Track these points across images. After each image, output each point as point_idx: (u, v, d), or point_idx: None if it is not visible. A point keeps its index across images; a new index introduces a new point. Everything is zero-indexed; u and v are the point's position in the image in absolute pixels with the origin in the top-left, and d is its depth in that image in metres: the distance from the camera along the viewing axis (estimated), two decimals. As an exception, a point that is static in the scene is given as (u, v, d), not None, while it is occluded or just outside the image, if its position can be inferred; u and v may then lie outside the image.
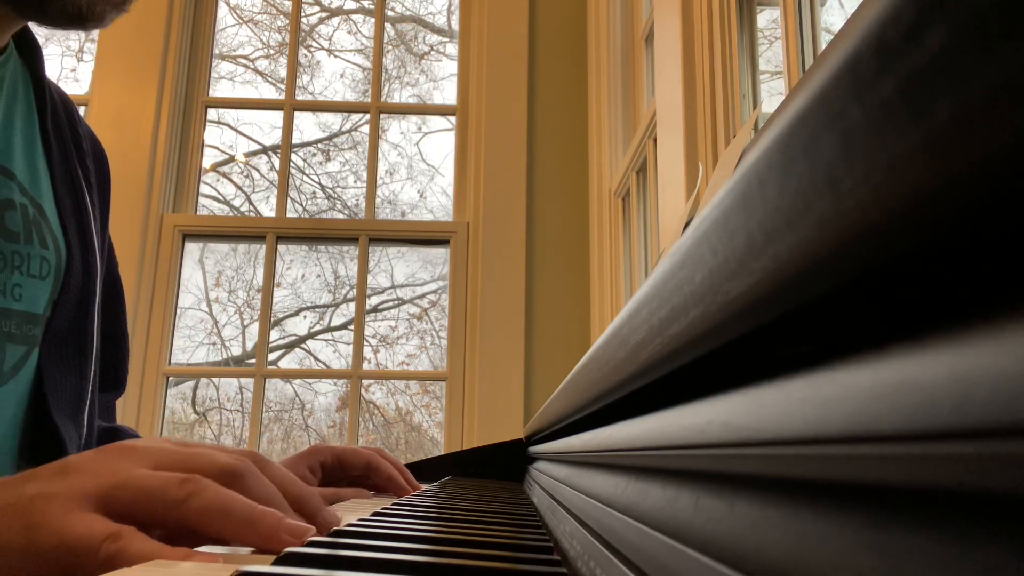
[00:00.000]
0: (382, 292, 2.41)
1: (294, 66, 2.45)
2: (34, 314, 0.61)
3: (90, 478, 0.34)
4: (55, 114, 0.68)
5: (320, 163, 2.54)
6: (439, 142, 2.50)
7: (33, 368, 0.61)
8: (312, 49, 2.59)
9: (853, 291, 0.11)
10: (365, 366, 2.26)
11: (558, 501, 0.46)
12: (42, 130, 0.65)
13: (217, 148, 2.48)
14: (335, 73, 2.57)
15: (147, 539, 0.31)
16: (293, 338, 2.45)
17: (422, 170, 2.48)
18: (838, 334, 0.12)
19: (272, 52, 2.57)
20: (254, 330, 2.31)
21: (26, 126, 0.64)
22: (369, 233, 2.27)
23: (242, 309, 2.41)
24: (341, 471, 0.77)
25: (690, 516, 0.17)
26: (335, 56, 2.60)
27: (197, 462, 0.36)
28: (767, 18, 1.24)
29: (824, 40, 1.02)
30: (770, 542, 0.12)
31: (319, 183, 2.52)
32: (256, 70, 2.54)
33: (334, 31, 2.65)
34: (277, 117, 2.44)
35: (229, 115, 2.48)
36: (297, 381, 2.43)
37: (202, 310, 2.36)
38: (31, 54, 0.66)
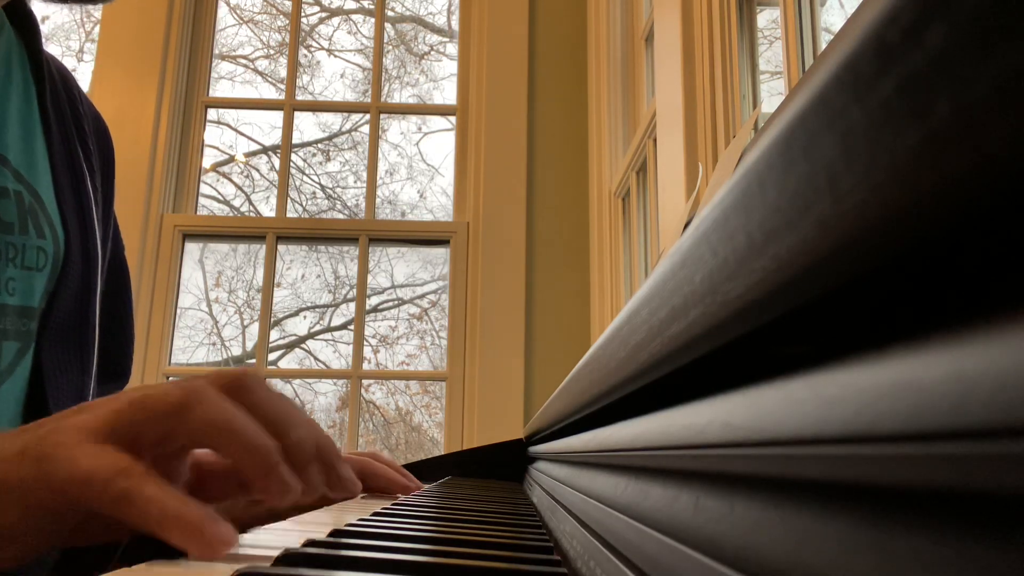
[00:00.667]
0: (382, 292, 2.41)
1: (294, 66, 2.45)
2: (29, 308, 0.58)
3: (101, 407, 0.33)
4: (54, 92, 0.64)
5: (320, 163, 2.54)
6: (439, 142, 2.50)
7: (29, 365, 0.58)
8: (312, 49, 2.59)
9: (853, 291, 0.11)
10: (365, 366, 2.27)
11: (558, 501, 0.46)
12: (41, 110, 0.61)
13: (217, 148, 2.48)
14: (335, 73, 2.57)
15: (161, 483, 0.30)
16: (293, 338, 2.45)
17: (422, 170, 2.48)
18: (838, 334, 0.12)
19: (272, 52, 2.57)
20: (254, 330, 2.31)
21: (23, 105, 0.60)
22: (369, 233, 2.27)
23: (242, 309, 2.41)
24: None
25: (690, 516, 0.17)
26: (335, 56, 2.60)
27: (203, 375, 0.35)
28: (767, 18, 1.24)
29: (824, 40, 1.02)
30: (770, 542, 0.12)
31: (319, 183, 2.52)
32: (256, 70, 2.55)
33: (334, 31, 2.65)
34: (277, 117, 2.44)
35: (229, 115, 2.48)
36: (297, 381, 2.43)
37: (202, 310, 2.36)
38: (27, 27, 0.62)
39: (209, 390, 0.33)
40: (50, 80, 0.64)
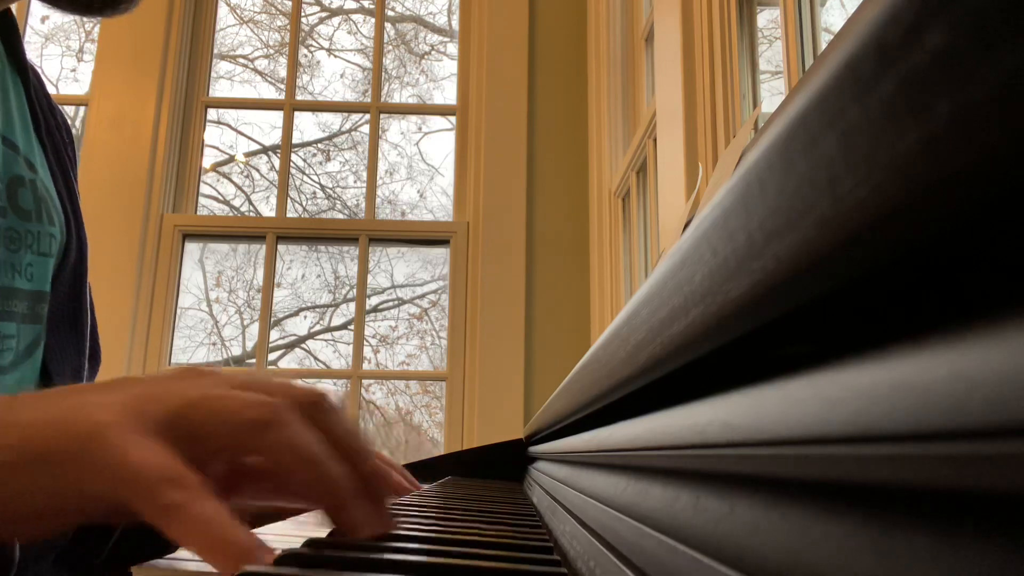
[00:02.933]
0: (382, 292, 2.41)
1: (294, 66, 2.45)
2: (42, 292, 0.60)
3: (159, 393, 0.30)
4: (36, 89, 0.67)
5: (320, 163, 2.54)
6: (439, 142, 2.50)
7: (42, 347, 0.60)
8: (312, 49, 2.60)
9: (853, 291, 0.11)
10: (365, 366, 2.27)
11: (558, 501, 0.46)
12: (30, 106, 0.64)
13: (217, 148, 2.48)
14: (335, 73, 2.57)
15: (214, 501, 0.27)
16: (293, 338, 2.45)
17: (422, 170, 2.48)
18: (838, 334, 0.12)
19: (272, 52, 2.57)
20: (254, 330, 2.31)
21: (17, 102, 0.63)
22: (369, 233, 2.27)
23: (242, 309, 2.41)
24: None
25: (690, 516, 0.17)
26: (335, 56, 2.60)
27: (277, 387, 0.32)
28: (767, 18, 1.24)
29: (824, 40, 1.02)
30: (770, 542, 0.12)
31: (319, 183, 2.52)
32: (256, 70, 2.55)
33: (334, 31, 2.65)
34: (277, 117, 2.44)
35: (229, 115, 2.48)
36: (297, 381, 2.43)
37: (202, 310, 2.36)
38: (8, 30, 0.65)
39: (291, 411, 0.31)
40: (32, 76, 0.67)
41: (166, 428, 0.29)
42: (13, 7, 0.65)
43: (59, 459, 0.28)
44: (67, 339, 0.63)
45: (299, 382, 0.34)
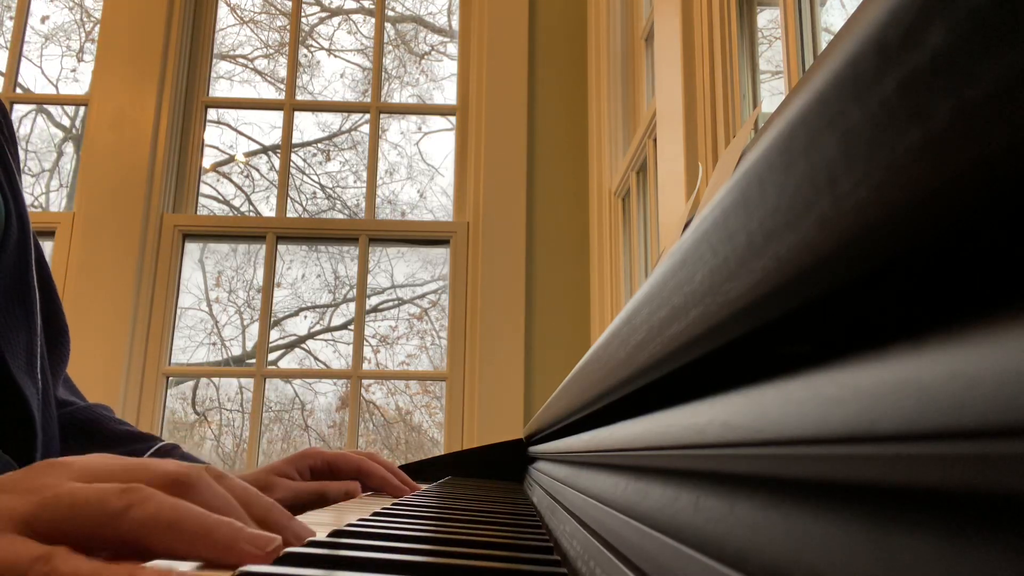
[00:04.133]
0: (382, 292, 2.41)
1: (294, 66, 2.45)
2: None
3: (16, 498, 0.30)
4: None
5: (320, 163, 2.54)
6: (439, 142, 2.50)
7: None
8: (312, 49, 2.59)
9: (853, 291, 0.11)
10: (365, 366, 2.27)
11: (558, 501, 0.46)
12: None
13: (217, 148, 2.48)
14: (335, 73, 2.57)
15: (81, 558, 0.28)
16: (293, 338, 2.45)
17: (422, 170, 2.48)
18: (838, 334, 0.12)
19: (272, 52, 2.57)
20: (254, 330, 2.31)
21: None
22: (369, 233, 2.27)
23: (242, 309, 2.41)
24: (332, 477, 0.76)
25: (690, 516, 0.17)
26: (335, 56, 2.60)
27: (139, 472, 0.32)
28: (767, 18, 1.24)
29: (824, 40, 1.02)
30: (770, 542, 0.12)
31: (319, 183, 2.52)
32: (256, 70, 2.55)
33: (334, 31, 2.65)
34: (277, 117, 2.44)
35: (229, 115, 2.48)
36: (297, 381, 2.43)
37: (202, 310, 2.36)
38: None
39: (147, 489, 0.30)
40: None
41: (29, 526, 0.29)
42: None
43: None
44: (15, 317, 0.63)
45: (166, 463, 0.33)
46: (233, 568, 0.28)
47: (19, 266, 0.65)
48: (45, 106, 2.48)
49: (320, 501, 0.71)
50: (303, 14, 2.58)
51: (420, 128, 2.51)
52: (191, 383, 2.44)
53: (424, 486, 0.87)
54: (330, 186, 2.52)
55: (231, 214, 2.48)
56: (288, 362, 2.46)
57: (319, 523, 0.42)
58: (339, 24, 2.66)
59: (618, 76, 2.00)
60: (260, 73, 2.54)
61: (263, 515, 0.34)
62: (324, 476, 0.76)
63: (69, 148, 2.48)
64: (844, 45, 0.09)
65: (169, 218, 2.19)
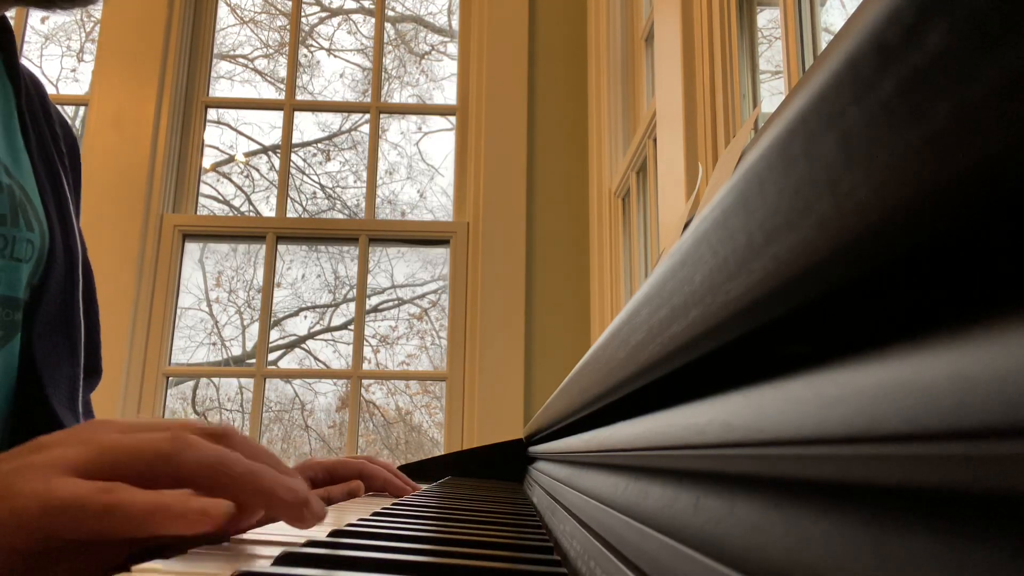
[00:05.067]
0: (382, 292, 2.41)
1: (294, 66, 2.45)
2: (14, 298, 0.60)
3: (71, 449, 0.32)
4: (29, 96, 0.67)
5: (320, 163, 2.54)
6: (439, 142, 2.50)
7: (17, 354, 0.60)
8: (312, 49, 2.59)
9: (853, 291, 0.11)
10: (365, 366, 2.27)
11: (558, 501, 0.46)
12: (18, 112, 0.64)
13: (217, 148, 2.48)
14: (335, 73, 2.57)
15: (142, 490, 0.30)
16: (293, 338, 2.45)
17: (422, 170, 2.48)
18: (838, 334, 0.12)
19: (272, 52, 2.57)
20: (254, 330, 2.31)
21: (4, 109, 0.63)
22: (369, 233, 2.27)
23: (242, 309, 2.41)
24: (333, 484, 0.76)
25: (690, 516, 0.17)
26: (335, 56, 2.60)
27: (177, 423, 0.35)
28: (767, 18, 1.24)
29: (824, 40, 1.02)
30: (770, 542, 0.12)
31: (319, 183, 2.52)
32: (256, 70, 2.55)
33: (334, 31, 2.65)
34: (277, 117, 2.44)
35: (229, 115, 2.48)
36: (297, 381, 2.43)
37: (202, 310, 2.36)
38: (4, 37, 0.66)
39: (193, 436, 0.33)
40: (25, 84, 0.67)
41: (85, 471, 0.32)
42: (10, 14, 0.66)
43: None
44: (60, 350, 0.63)
45: (200, 421, 0.37)
46: (271, 516, 0.31)
47: (65, 299, 0.64)
48: (45, 106, 2.48)
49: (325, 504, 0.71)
50: (303, 14, 2.58)
51: (420, 128, 2.51)
52: (191, 383, 2.44)
53: (424, 486, 0.87)
54: (330, 186, 2.52)
55: (231, 214, 2.48)
56: (288, 362, 2.46)
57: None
58: (339, 24, 2.66)
59: (618, 76, 2.00)
60: (260, 73, 2.54)
61: (286, 473, 0.37)
62: (325, 484, 0.76)
63: (69, 148, 2.48)
64: (844, 45, 0.09)
65: (169, 218, 2.19)
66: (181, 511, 0.29)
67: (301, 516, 0.34)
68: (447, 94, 2.51)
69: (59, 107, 0.75)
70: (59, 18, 2.49)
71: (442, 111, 2.47)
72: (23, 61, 0.69)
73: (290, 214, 2.39)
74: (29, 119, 0.65)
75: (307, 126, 2.54)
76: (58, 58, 2.51)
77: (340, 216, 2.48)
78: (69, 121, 0.77)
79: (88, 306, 0.72)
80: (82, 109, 2.40)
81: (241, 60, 2.54)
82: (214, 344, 2.35)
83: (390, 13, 2.60)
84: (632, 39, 2.00)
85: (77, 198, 0.75)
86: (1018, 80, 0.07)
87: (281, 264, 2.36)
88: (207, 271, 2.39)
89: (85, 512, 0.29)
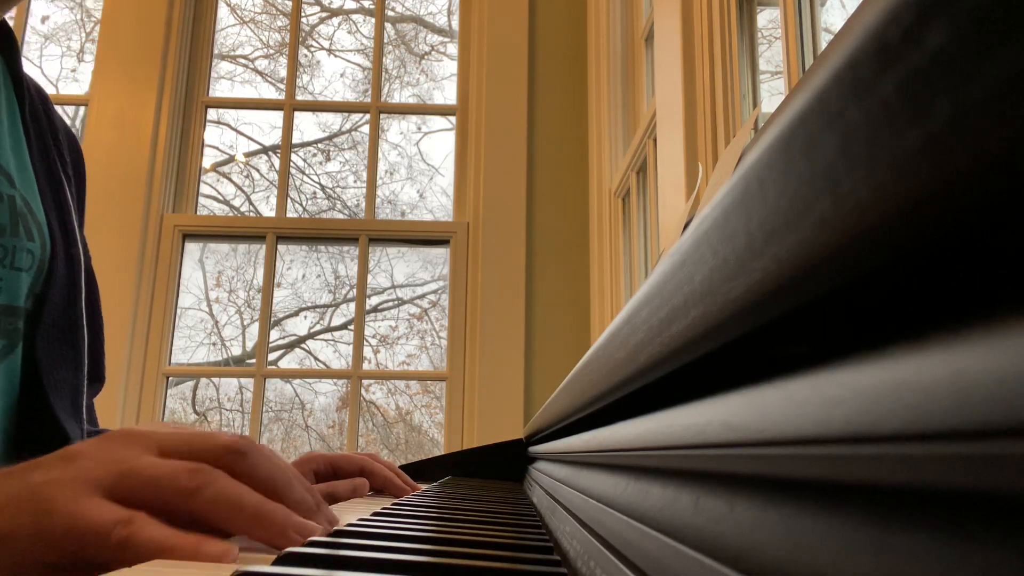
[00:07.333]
0: (382, 292, 2.41)
1: (294, 66, 2.45)
2: (14, 307, 0.60)
3: (97, 465, 0.34)
4: (32, 106, 0.68)
5: (320, 163, 2.54)
6: (439, 142, 2.50)
7: (19, 362, 0.60)
8: (312, 49, 2.59)
9: (853, 291, 0.11)
10: (365, 366, 2.26)
11: (558, 501, 0.46)
12: (22, 122, 0.65)
13: (217, 148, 2.48)
14: (335, 73, 2.57)
15: (160, 525, 0.32)
16: (293, 338, 2.44)
17: (422, 170, 2.48)
18: (838, 334, 0.12)
19: (272, 52, 2.57)
20: (254, 330, 2.31)
21: (9, 118, 0.64)
22: (369, 233, 2.27)
23: (242, 309, 2.41)
24: (336, 478, 0.77)
25: (690, 516, 0.17)
26: (335, 56, 2.60)
27: (200, 443, 0.37)
28: (767, 18, 1.24)
29: (824, 40, 1.02)
30: (770, 542, 0.12)
31: (319, 183, 2.52)
32: (256, 70, 2.54)
33: (334, 31, 2.65)
34: (277, 117, 2.44)
35: (229, 115, 2.48)
36: (297, 381, 2.43)
37: (202, 310, 2.36)
38: (8, 46, 0.66)
39: (214, 470, 0.35)
40: (28, 94, 0.67)
41: (110, 491, 0.33)
42: (10, 18, 0.66)
43: (17, 537, 0.32)
44: (62, 356, 0.63)
45: (223, 434, 0.39)
46: (281, 549, 0.32)
47: (67, 308, 0.65)
48: (45, 106, 2.48)
49: (329, 500, 0.71)
50: (303, 14, 2.58)
51: (420, 128, 2.51)
52: (191, 383, 2.44)
53: (424, 486, 0.87)
54: (330, 186, 2.52)
55: (231, 214, 2.48)
56: (288, 362, 2.46)
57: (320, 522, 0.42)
58: (339, 24, 2.66)
59: (618, 76, 2.00)
60: (260, 73, 2.54)
61: (301, 496, 0.39)
62: (328, 478, 0.77)
63: (69, 148, 2.48)
64: (844, 45, 0.09)
65: (169, 218, 2.19)
66: (192, 554, 0.31)
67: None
68: (447, 94, 2.51)
69: (63, 116, 0.76)
70: (60, 17, 2.49)
71: (442, 111, 2.47)
72: (24, 63, 0.69)
73: (290, 214, 2.39)
74: (33, 129, 0.66)
75: (307, 126, 2.54)
76: (58, 58, 2.51)
77: (340, 216, 2.48)
78: (74, 131, 0.78)
79: (92, 315, 0.73)
80: (82, 109, 2.40)
81: (241, 60, 2.54)
82: (214, 344, 2.35)
83: (390, 13, 2.60)
84: (632, 39, 2.00)
85: (81, 207, 0.75)
86: (1018, 80, 0.07)
87: (281, 264, 2.36)
88: (207, 271, 2.39)
89: (106, 541, 0.31)
